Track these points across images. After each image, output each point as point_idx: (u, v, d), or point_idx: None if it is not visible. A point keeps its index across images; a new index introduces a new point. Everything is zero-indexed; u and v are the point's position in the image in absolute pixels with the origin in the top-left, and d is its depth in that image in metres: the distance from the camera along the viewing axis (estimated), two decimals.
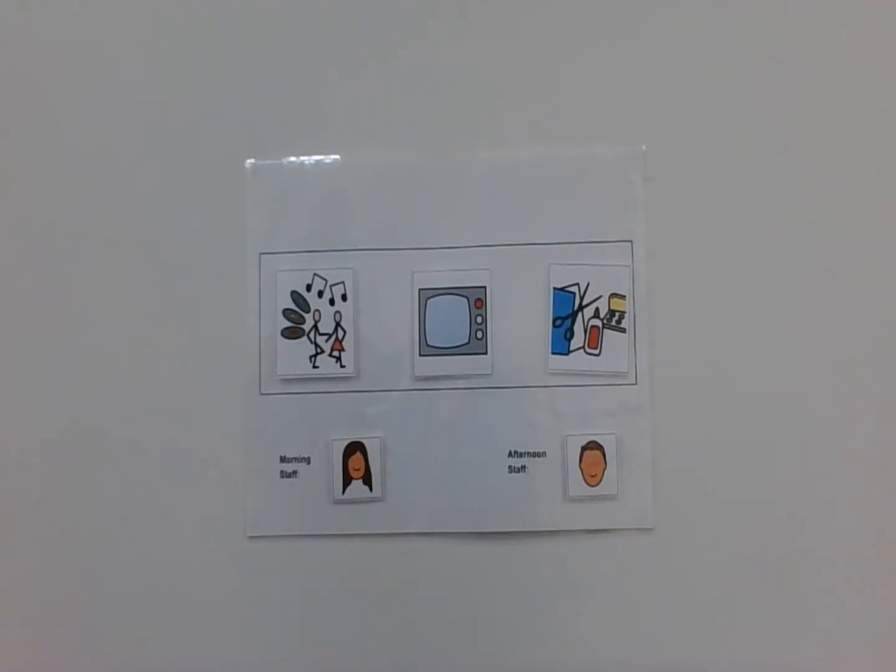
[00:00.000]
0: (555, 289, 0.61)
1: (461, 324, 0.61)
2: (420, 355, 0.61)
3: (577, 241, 0.62)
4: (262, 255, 0.62)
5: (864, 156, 0.62)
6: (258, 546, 0.61)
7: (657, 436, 0.61)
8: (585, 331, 0.61)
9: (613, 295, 0.61)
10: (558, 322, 0.61)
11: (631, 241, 0.62)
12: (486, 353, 0.61)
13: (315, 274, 0.62)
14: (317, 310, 0.62)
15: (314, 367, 0.61)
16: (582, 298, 0.61)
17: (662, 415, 0.61)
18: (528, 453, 0.61)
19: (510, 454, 0.61)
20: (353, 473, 0.61)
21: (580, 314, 0.61)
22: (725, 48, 0.62)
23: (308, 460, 0.61)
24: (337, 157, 0.63)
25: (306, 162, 0.63)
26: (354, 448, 0.61)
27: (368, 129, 0.63)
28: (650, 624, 0.60)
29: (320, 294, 0.62)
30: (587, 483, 0.60)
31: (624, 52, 0.62)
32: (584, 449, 0.61)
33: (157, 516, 0.61)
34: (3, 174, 0.63)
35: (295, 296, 0.62)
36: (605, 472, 0.60)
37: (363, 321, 0.62)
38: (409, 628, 0.61)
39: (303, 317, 0.62)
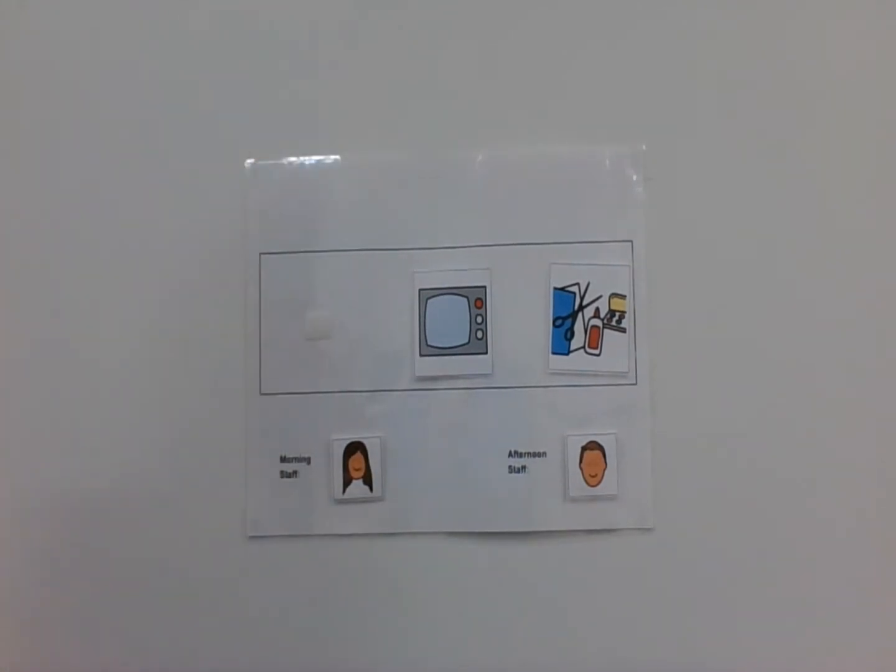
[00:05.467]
0: (555, 289, 0.61)
1: (461, 324, 0.61)
2: (420, 355, 0.61)
3: (577, 241, 0.62)
4: (262, 255, 0.62)
5: (866, 156, 0.62)
6: (258, 546, 0.61)
7: (657, 436, 0.61)
8: (585, 331, 0.61)
9: (613, 295, 0.61)
10: (558, 322, 0.61)
11: (631, 241, 0.62)
12: (486, 353, 0.61)
13: None
14: None
15: None
16: (582, 298, 0.61)
17: (662, 415, 0.61)
18: (528, 453, 0.61)
19: (510, 454, 0.61)
20: (353, 473, 0.61)
21: (580, 314, 0.61)
22: (725, 48, 0.62)
23: (308, 460, 0.61)
24: (337, 157, 0.63)
25: (306, 162, 0.63)
26: (354, 448, 0.61)
27: (368, 129, 0.63)
28: (650, 624, 0.60)
29: None
30: (587, 483, 0.60)
31: (624, 52, 0.62)
32: (584, 449, 0.61)
33: (156, 516, 0.61)
34: (3, 174, 0.63)
35: None
36: (605, 472, 0.60)
37: (363, 321, 0.62)
38: (409, 628, 0.61)
39: None
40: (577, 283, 0.61)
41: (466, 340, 0.61)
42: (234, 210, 0.62)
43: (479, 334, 0.61)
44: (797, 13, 0.62)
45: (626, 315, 0.61)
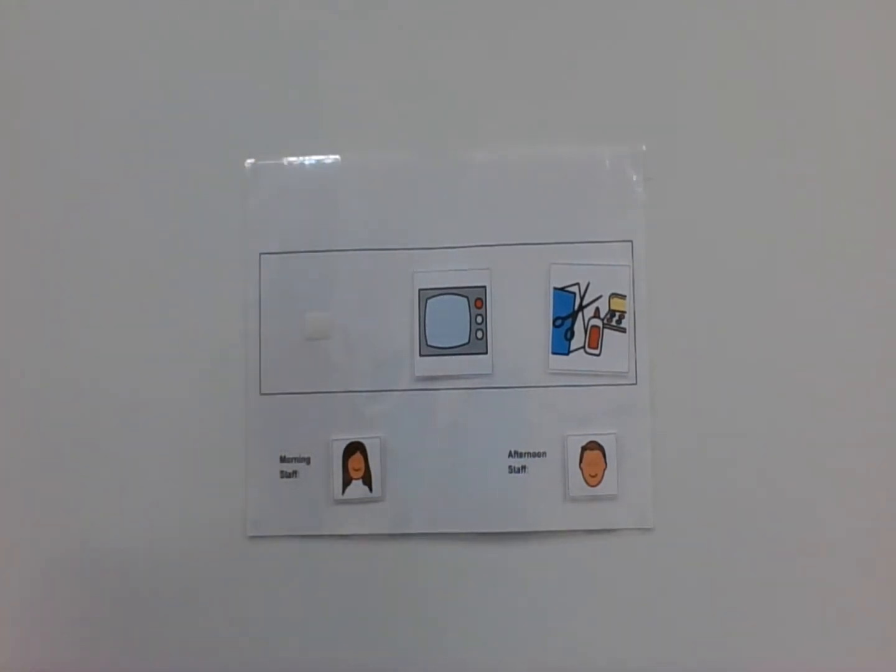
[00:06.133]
0: (555, 289, 0.61)
1: (461, 324, 0.61)
2: (420, 355, 0.61)
3: (577, 241, 0.62)
4: (262, 255, 0.62)
5: (866, 156, 0.62)
6: (258, 546, 0.61)
7: (657, 436, 0.61)
8: (586, 331, 0.61)
9: (613, 295, 0.61)
10: (558, 322, 0.61)
11: (631, 241, 0.62)
12: (486, 353, 0.61)
13: None
14: None
15: None
16: (582, 298, 0.61)
17: (662, 415, 0.61)
18: (528, 453, 0.61)
19: (510, 454, 0.61)
20: (353, 473, 0.61)
21: (580, 314, 0.61)
22: (725, 48, 0.62)
23: (308, 460, 0.61)
24: (337, 157, 0.63)
25: (306, 162, 0.63)
26: (354, 448, 0.61)
27: (368, 129, 0.63)
28: (650, 624, 0.60)
29: None
30: (587, 483, 0.60)
31: (624, 52, 0.62)
32: (584, 449, 0.61)
33: (156, 516, 0.61)
34: (4, 173, 0.63)
35: None
36: (605, 472, 0.60)
37: (363, 321, 0.62)
38: (408, 628, 0.61)
39: None
40: (577, 283, 0.61)
41: (466, 340, 0.61)
42: (234, 210, 0.62)
43: (479, 334, 0.61)
44: (797, 13, 0.62)
45: (626, 315, 0.61)
